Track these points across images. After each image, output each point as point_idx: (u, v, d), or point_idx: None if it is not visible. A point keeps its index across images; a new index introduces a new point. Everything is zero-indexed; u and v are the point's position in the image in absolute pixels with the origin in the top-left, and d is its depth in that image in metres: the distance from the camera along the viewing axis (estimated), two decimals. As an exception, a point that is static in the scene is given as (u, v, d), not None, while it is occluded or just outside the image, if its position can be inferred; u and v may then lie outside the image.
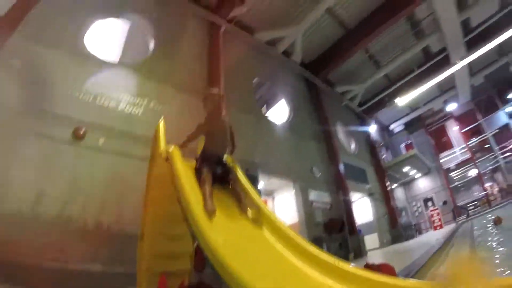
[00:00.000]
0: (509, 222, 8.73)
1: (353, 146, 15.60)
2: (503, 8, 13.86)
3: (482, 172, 20.26)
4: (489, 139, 20.44)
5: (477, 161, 20.46)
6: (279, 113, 11.90)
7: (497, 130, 20.32)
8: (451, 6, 12.10)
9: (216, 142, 3.21)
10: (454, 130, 22.36)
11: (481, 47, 14.63)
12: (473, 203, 19.80)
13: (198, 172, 2.94)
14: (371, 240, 13.22)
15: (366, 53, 14.46)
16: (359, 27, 12.47)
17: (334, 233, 10.59)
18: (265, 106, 12.32)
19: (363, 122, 17.68)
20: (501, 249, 5.38)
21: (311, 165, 11.60)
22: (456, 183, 21.08)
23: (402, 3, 11.70)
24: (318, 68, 13.53)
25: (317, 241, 9.05)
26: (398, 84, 16.25)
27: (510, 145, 19.60)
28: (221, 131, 3.26)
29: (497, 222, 8.97)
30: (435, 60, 15.39)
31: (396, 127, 21.47)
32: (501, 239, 6.38)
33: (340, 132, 14.79)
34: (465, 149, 21.29)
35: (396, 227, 15.08)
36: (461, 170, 21.12)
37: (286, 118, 11.81)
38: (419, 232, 17.54)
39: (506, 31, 14.29)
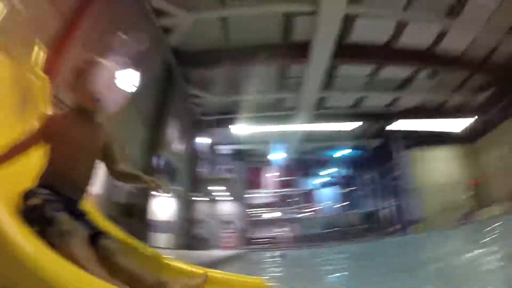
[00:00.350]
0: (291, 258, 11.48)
1: (180, 147, 15.76)
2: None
3: (282, 217, 23.92)
4: (296, 194, 24.55)
5: (280, 207, 24.12)
6: (127, 81, 11.17)
7: (304, 191, 24.64)
8: (317, 82, 13.84)
9: (78, 161, 1.67)
10: (270, 175, 25.74)
11: (321, 126, 17.33)
12: (269, 238, 23.03)
13: (38, 221, 1.36)
14: (163, 239, 13.43)
15: (233, 72, 14.69)
16: (241, 49, 12.79)
17: (128, 218, 10.40)
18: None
19: (199, 131, 18.11)
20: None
21: (133, 146, 11.22)
22: (257, 218, 24.15)
23: (287, 54, 12.81)
24: (186, 61, 13.18)
25: (110, 220, 8.66)
26: (244, 115, 16.99)
27: (309, 207, 24.02)
28: (90, 141, 1.72)
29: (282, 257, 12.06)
30: (284, 113, 17.14)
31: (225, 149, 22.70)
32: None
33: (174, 129, 14.73)
34: (274, 194, 24.97)
35: (191, 235, 15.86)
36: (266, 209, 24.47)
37: (132, 90, 11.16)
38: (210, 247, 18.76)
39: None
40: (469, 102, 17.98)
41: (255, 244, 21.96)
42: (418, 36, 12.13)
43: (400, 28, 11.76)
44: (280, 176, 25.33)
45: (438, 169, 19.26)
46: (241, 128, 17.37)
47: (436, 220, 17.29)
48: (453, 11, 10.84)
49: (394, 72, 14.48)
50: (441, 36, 12.18)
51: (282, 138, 19.99)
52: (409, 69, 14.36)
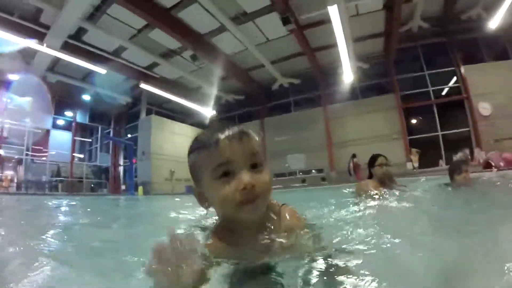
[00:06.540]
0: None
1: None
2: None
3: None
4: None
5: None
6: None
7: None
8: (81, 7, 11.54)
9: None
10: None
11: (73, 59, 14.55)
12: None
13: None
14: None
15: None
16: None
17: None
18: None
19: None
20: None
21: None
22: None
23: None
24: None
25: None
26: None
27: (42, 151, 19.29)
28: None
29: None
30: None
31: None
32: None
33: None
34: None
35: None
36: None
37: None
38: None
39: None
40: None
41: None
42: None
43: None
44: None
45: (173, 141, 20.53)
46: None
47: (160, 186, 18.33)
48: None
49: (163, 37, 14.30)
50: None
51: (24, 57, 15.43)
52: (177, 42, 14.48)
